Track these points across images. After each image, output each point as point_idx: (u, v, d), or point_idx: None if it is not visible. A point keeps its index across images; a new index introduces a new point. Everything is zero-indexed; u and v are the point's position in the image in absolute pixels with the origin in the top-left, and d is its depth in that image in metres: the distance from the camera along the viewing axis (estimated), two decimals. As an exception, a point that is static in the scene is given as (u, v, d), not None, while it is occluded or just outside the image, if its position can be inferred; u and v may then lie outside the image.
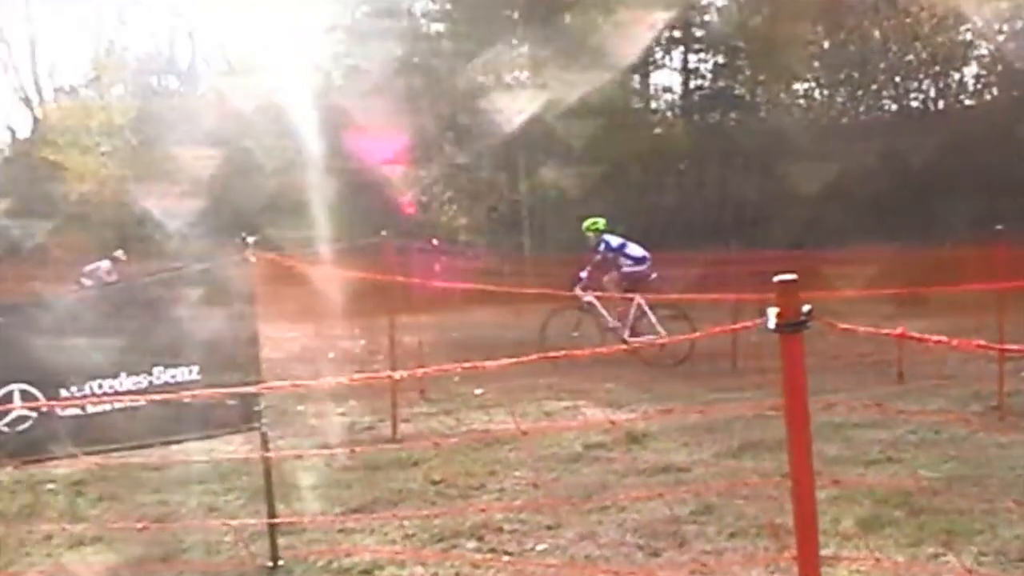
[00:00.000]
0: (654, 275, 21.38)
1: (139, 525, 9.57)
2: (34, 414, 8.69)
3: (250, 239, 8.56)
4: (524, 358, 6.50)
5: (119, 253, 27.00)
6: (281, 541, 8.81)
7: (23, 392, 8.75)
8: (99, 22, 47.12)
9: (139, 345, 8.83)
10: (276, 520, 8.74)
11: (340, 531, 9.59)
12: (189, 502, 10.72)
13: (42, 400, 8.61)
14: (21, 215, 38.19)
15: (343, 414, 15.33)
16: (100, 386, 8.74)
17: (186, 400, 8.23)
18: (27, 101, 47.71)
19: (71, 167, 40.37)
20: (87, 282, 22.70)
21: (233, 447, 10.88)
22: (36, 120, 47.15)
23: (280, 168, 36.25)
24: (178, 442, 9.35)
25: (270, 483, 8.70)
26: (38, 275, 30.79)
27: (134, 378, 8.78)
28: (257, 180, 35.99)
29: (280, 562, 8.65)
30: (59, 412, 8.71)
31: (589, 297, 20.53)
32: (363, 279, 15.47)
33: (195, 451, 10.27)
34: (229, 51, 48.29)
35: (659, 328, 20.13)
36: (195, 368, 8.78)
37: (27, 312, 9.41)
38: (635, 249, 21.54)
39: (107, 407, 8.64)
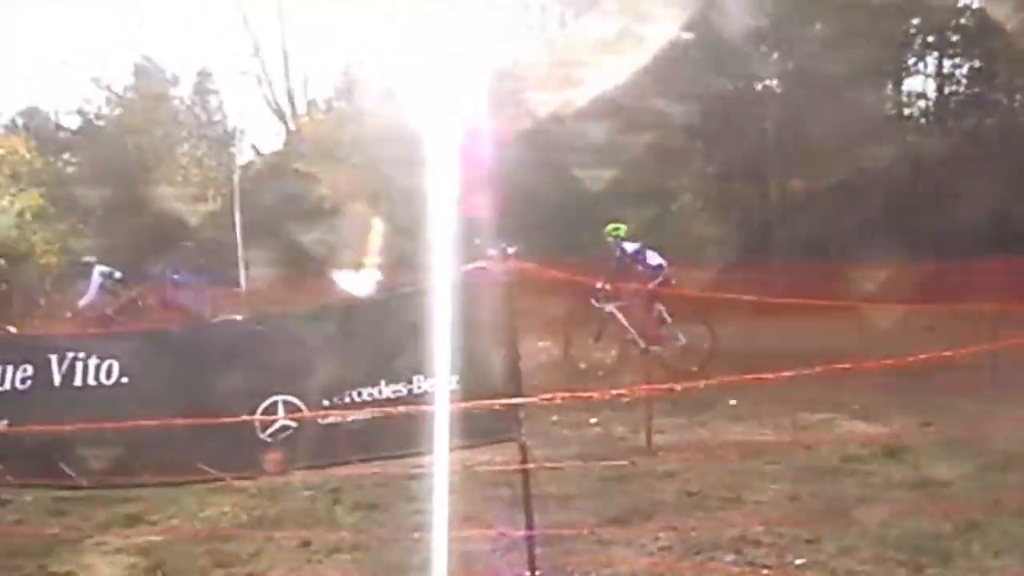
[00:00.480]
0: (673, 282, 21.23)
1: (396, 534, 9.71)
2: (296, 424, 8.87)
3: (510, 249, 8.59)
4: (808, 370, 6.39)
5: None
6: (537, 552, 8.80)
7: (286, 403, 8.95)
8: (349, 35, 47.92)
9: (398, 355, 8.95)
10: (534, 531, 8.74)
11: (597, 542, 9.54)
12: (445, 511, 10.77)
13: (304, 410, 8.79)
14: (273, 226, 39.00)
15: (596, 424, 15.30)
16: (360, 394, 8.88)
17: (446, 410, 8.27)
18: (280, 114, 48.94)
19: (323, 179, 41.13)
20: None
21: (488, 457, 10.92)
22: (289, 132, 48.29)
23: (541, 177, 36.35)
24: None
25: (528, 494, 8.70)
26: (296, 286, 31.49)
27: (393, 387, 8.90)
28: (516, 190, 36.15)
29: (537, 572, 8.63)
30: (320, 421, 8.88)
31: (610, 307, 20.31)
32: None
33: (452, 461, 10.35)
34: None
35: (680, 336, 20.29)
36: (454, 378, 8.86)
37: (289, 322, 9.62)
38: (653, 256, 21.39)
39: (367, 417, 8.77)
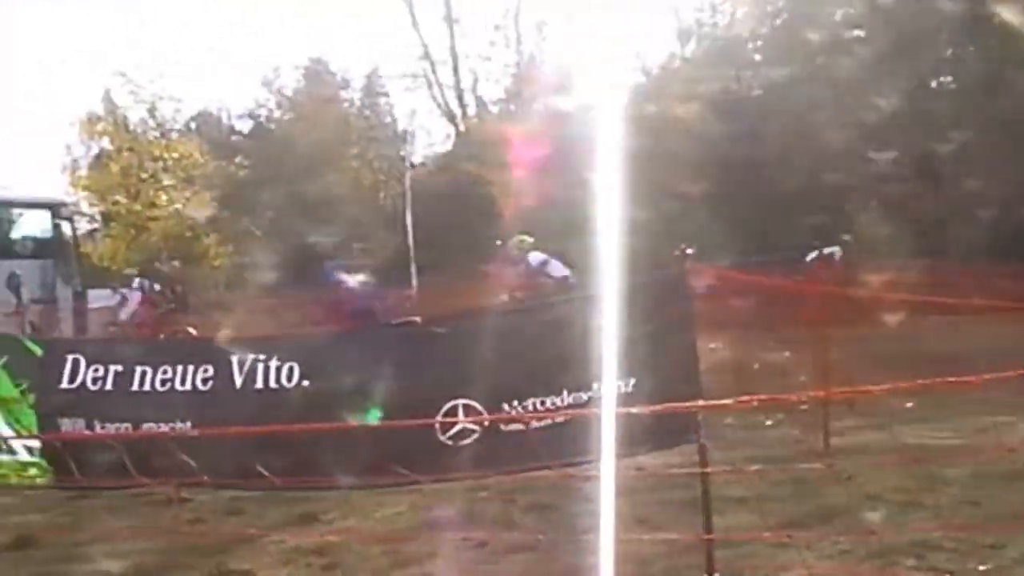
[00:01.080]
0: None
1: (571, 536, 9.67)
2: (478, 428, 8.89)
3: (688, 250, 8.54)
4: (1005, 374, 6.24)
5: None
6: (716, 555, 8.72)
7: (466, 407, 8.98)
8: (518, 37, 47.98)
9: (578, 359, 8.94)
10: (712, 535, 8.67)
11: (774, 546, 9.44)
12: (621, 514, 10.72)
13: (484, 414, 8.82)
14: (449, 229, 39.25)
15: (771, 427, 15.14)
16: (543, 402, 8.89)
17: (624, 414, 8.22)
18: (450, 115, 49.24)
19: (493, 180, 41.26)
20: None
21: (663, 459, 10.85)
22: (459, 133, 48.58)
23: (697, 183, 36.14)
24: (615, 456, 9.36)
25: (707, 497, 8.63)
26: (464, 288, 31.61)
27: (575, 394, 8.90)
28: (686, 193, 36.00)
29: (716, 575, 8.58)
30: (501, 427, 8.90)
31: None
32: (796, 290, 15.26)
33: (629, 464, 10.30)
34: (646, 62, 48.41)
35: None
36: (631, 381, 8.82)
37: (469, 326, 9.65)
38: (558, 268, 21.39)
39: (547, 422, 8.77)
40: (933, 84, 39.57)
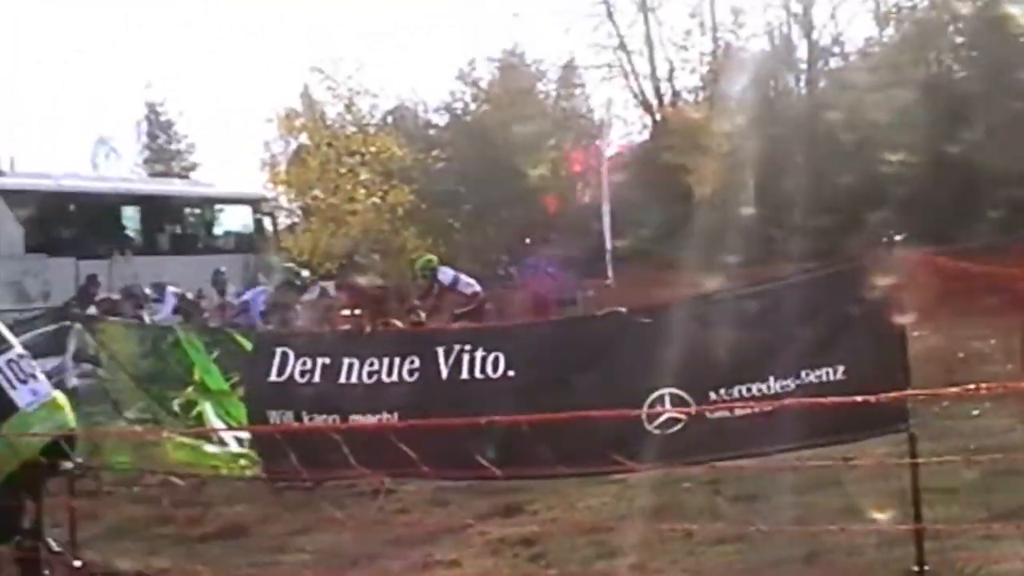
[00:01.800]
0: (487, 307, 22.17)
1: (779, 527, 9.58)
2: (684, 417, 8.85)
3: (896, 237, 8.40)
4: None
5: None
6: (926, 546, 8.55)
7: (672, 396, 8.95)
8: (714, 24, 47.63)
9: (784, 347, 8.86)
10: (922, 525, 8.50)
11: (985, 538, 9.22)
12: (828, 504, 10.58)
13: (691, 403, 8.78)
14: (645, 218, 39.09)
15: (978, 416, 14.79)
16: (749, 389, 8.82)
17: (831, 402, 8.10)
18: (646, 105, 49.08)
19: (692, 169, 41.04)
20: None
21: (870, 448, 10.66)
22: (656, 123, 48.40)
23: (900, 167, 35.51)
24: (820, 445, 9.22)
25: (917, 487, 8.47)
26: (660, 278, 31.49)
27: (781, 381, 8.81)
28: (876, 179, 35.43)
29: (926, 567, 8.40)
30: (707, 416, 8.85)
31: None
32: (1004, 276, 14.89)
33: (834, 453, 10.14)
34: (848, 45, 47.77)
35: None
36: (840, 368, 8.72)
37: (674, 315, 9.61)
38: (466, 284, 22.35)
39: (754, 410, 8.69)
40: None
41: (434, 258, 23.17)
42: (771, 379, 8.91)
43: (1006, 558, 8.62)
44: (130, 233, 32.13)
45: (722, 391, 9.00)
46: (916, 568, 8.40)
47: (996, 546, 9.00)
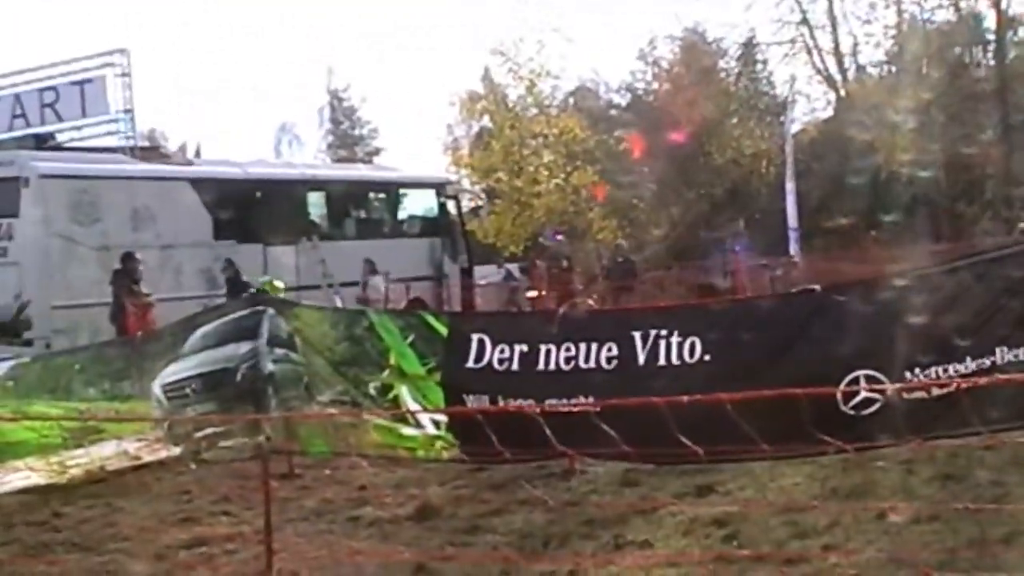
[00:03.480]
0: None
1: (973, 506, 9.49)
2: (880, 398, 8.82)
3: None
4: None
5: None
6: None
7: (868, 377, 8.92)
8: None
9: (980, 325, 8.78)
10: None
11: None
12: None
13: (887, 383, 8.74)
14: (831, 195, 38.74)
15: None
16: (945, 370, 8.77)
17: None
18: (830, 81, 48.43)
19: (879, 146, 40.45)
20: None
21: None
22: (840, 99, 47.76)
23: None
24: (1018, 427, 9.14)
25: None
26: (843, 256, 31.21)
27: (978, 361, 8.74)
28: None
29: None
30: (903, 396, 8.81)
31: None
32: None
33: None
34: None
35: None
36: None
37: (870, 294, 9.56)
38: None
39: (950, 390, 8.63)
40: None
41: (279, 283, 23.00)
42: (967, 359, 8.83)
43: None
44: (316, 219, 32.43)
45: (917, 371, 8.95)
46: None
47: None
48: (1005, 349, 8.75)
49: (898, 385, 8.87)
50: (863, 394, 8.87)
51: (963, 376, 8.78)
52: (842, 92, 47.63)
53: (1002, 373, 8.57)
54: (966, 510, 9.45)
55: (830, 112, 48.98)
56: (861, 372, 9.02)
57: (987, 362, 8.79)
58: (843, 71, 48.33)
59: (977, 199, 35.18)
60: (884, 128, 40.52)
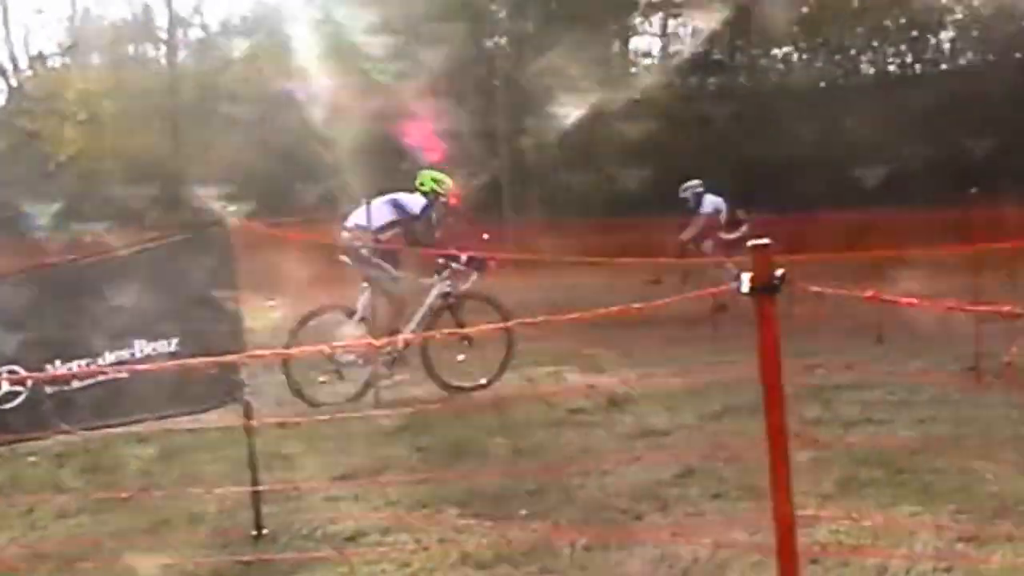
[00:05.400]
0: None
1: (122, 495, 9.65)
2: (23, 391, 8.75)
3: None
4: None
5: None
6: (265, 510, 8.85)
7: (9, 371, 8.83)
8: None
9: (123, 319, 8.90)
10: (259, 487, 8.80)
11: (325, 499, 9.63)
12: (172, 473, 10.74)
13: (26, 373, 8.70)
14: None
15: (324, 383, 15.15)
16: (90, 364, 8.82)
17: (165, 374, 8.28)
18: (2, 71, 47.46)
19: (48, 136, 40.18)
20: None
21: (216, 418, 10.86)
22: (11, 89, 46.90)
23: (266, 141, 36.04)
24: (166, 417, 9.41)
25: (253, 452, 8.78)
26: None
27: (118, 353, 8.85)
28: (228, 152, 35.84)
29: (264, 530, 8.70)
30: (46, 389, 8.78)
31: None
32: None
33: (181, 424, 10.32)
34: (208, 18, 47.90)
35: None
36: (174, 340, 8.88)
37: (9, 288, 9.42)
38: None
39: (90, 382, 8.72)
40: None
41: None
42: (106, 353, 8.90)
43: (341, 517, 9.04)
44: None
45: (58, 363, 8.91)
46: (255, 531, 8.68)
47: (333, 506, 9.43)
48: (144, 342, 8.91)
49: (39, 375, 8.78)
50: (5, 387, 8.77)
51: (107, 368, 8.86)
52: (13, 82, 46.79)
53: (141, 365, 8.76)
54: (114, 500, 9.59)
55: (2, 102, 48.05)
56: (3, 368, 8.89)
57: (126, 354, 8.89)
58: (14, 61, 47.53)
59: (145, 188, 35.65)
60: (56, 119, 40.29)
